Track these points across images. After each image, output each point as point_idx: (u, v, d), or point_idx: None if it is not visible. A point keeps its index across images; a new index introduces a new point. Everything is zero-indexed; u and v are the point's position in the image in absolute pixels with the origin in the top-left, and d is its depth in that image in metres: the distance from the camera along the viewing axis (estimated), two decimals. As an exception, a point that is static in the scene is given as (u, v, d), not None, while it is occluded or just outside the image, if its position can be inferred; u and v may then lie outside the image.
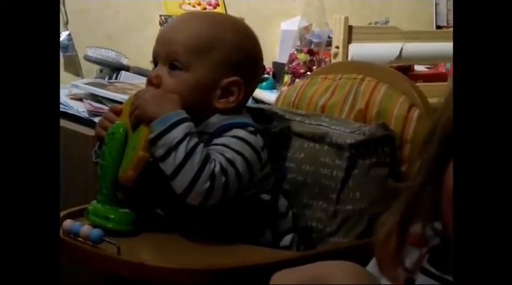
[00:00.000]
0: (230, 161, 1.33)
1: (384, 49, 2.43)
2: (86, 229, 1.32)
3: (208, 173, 1.29)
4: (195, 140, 1.31)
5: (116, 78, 2.43)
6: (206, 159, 1.30)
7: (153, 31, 2.60)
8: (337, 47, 2.37)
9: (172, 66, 1.39)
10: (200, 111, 1.40)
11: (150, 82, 1.41)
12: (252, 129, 1.40)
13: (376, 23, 2.99)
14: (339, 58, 2.36)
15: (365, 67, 1.66)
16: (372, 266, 0.97)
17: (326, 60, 2.55)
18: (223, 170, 1.31)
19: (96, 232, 1.31)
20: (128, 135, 1.38)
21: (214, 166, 1.30)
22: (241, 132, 1.38)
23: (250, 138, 1.38)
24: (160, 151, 1.31)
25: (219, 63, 1.41)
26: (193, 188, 1.29)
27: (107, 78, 2.44)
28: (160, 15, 2.59)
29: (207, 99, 1.41)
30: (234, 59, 1.42)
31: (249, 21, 2.67)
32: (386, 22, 2.99)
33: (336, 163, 1.47)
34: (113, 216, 1.38)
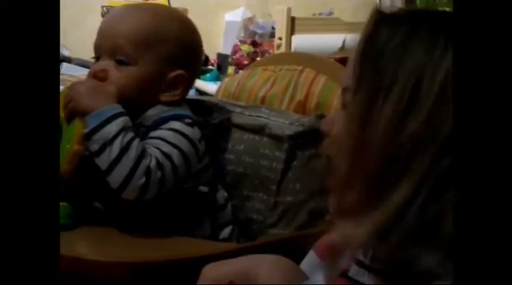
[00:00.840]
0: (166, 155, 1.32)
1: (327, 41, 2.45)
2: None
3: (144, 168, 1.28)
4: (130, 135, 1.30)
5: (58, 70, 2.40)
6: (142, 154, 1.29)
7: (95, 22, 2.56)
8: (280, 38, 2.38)
9: (118, 60, 1.37)
10: (143, 104, 1.38)
11: (94, 76, 1.37)
12: (189, 120, 1.39)
13: (320, 14, 3.00)
14: (282, 50, 2.37)
15: (305, 59, 1.66)
16: (308, 259, 0.97)
17: (270, 51, 2.56)
18: (159, 165, 1.30)
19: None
20: (62, 127, 1.36)
21: (150, 161, 1.29)
22: (177, 124, 1.37)
23: (186, 130, 1.37)
24: (94, 146, 1.29)
25: (164, 57, 1.39)
26: (129, 183, 1.27)
27: (48, 69, 2.41)
28: (102, 6, 2.56)
29: (152, 92, 1.39)
30: (179, 52, 1.41)
31: (193, 12, 2.67)
32: (330, 13, 3.00)
33: (276, 155, 1.47)
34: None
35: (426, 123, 0.79)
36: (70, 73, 2.31)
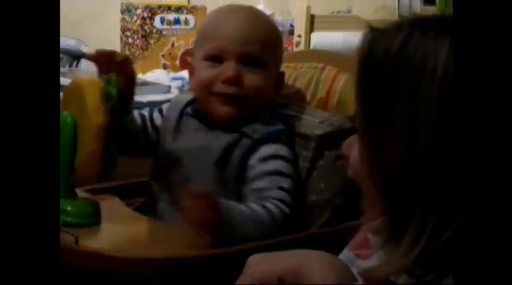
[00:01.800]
0: (288, 191, 1.39)
1: (346, 39, 2.43)
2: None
3: (273, 226, 1.33)
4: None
5: (76, 66, 2.41)
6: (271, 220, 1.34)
7: (114, 19, 2.58)
8: (299, 36, 2.38)
9: (250, 64, 1.43)
10: (261, 107, 1.46)
11: (229, 81, 1.42)
12: (284, 138, 1.46)
13: (338, 12, 2.99)
14: (301, 47, 2.36)
15: (326, 56, 1.66)
16: (344, 256, 0.97)
17: (288, 48, 2.55)
18: (282, 211, 1.36)
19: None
20: (76, 123, 1.36)
21: (275, 218, 1.34)
22: (283, 150, 1.43)
23: (288, 153, 1.44)
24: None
25: (279, 58, 1.50)
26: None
27: (67, 66, 2.42)
28: (122, 3, 2.57)
29: (272, 94, 1.49)
30: (282, 53, 1.53)
31: (211, 9, 2.66)
32: (349, 11, 2.99)
33: (303, 154, 1.47)
34: (70, 209, 1.36)
35: (434, 134, 0.78)
36: (88, 70, 2.30)
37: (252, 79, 1.42)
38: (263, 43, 1.44)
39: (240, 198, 1.40)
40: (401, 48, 0.81)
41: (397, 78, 0.80)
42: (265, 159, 1.40)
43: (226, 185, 1.41)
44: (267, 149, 1.41)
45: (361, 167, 0.86)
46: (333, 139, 1.43)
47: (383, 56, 0.82)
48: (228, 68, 1.42)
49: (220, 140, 1.42)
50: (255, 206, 1.34)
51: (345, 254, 0.95)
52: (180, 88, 2.17)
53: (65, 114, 1.39)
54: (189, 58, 1.54)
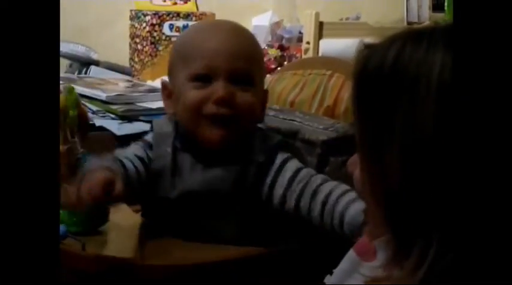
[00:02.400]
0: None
1: (355, 45, 2.43)
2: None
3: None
4: None
5: (86, 73, 2.42)
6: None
7: (124, 26, 2.59)
8: (308, 43, 2.38)
9: (239, 81, 1.35)
10: (253, 126, 1.40)
11: (222, 101, 1.33)
12: (287, 147, 1.41)
13: (347, 18, 2.99)
14: (310, 54, 2.36)
15: (334, 63, 1.66)
16: (348, 258, 0.97)
17: (297, 55, 2.56)
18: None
19: (60, 228, 1.30)
20: None
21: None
22: (291, 157, 1.39)
23: (297, 160, 1.40)
24: None
25: (264, 74, 1.44)
26: None
27: (76, 73, 2.43)
28: (131, 10, 2.57)
29: (261, 111, 1.42)
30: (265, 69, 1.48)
31: (220, 16, 2.67)
32: (358, 18, 2.99)
33: (308, 160, 1.46)
34: (75, 219, 1.37)
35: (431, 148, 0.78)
36: (98, 77, 2.31)
37: (243, 97, 1.34)
38: (250, 59, 1.37)
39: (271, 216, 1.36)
40: (395, 62, 0.81)
41: (391, 93, 0.80)
42: (281, 168, 1.36)
43: (247, 216, 1.36)
44: (277, 162, 1.37)
45: (362, 186, 0.87)
46: (338, 145, 1.44)
47: (377, 71, 0.82)
48: (219, 88, 1.33)
49: (225, 176, 1.35)
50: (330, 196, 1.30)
51: (350, 256, 0.96)
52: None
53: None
54: (166, 83, 1.44)
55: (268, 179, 1.35)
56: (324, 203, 1.29)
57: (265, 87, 1.69)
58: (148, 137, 1.42)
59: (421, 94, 0.78)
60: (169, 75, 1.43)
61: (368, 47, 0.85)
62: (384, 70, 0.81)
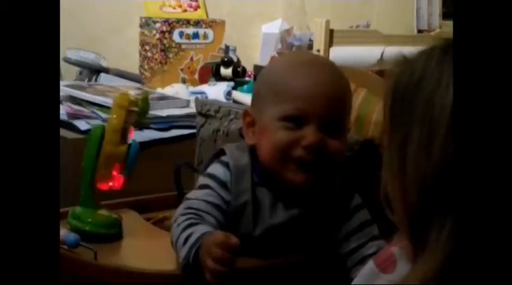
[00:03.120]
0: (378, 237, 1.35)
1: (365, 53, 2.44)
2: (62, 233, 1.31)
3: None
4: None
5: (96, 80, 2.42)
6: None
7: (134, 33, 2.59)
8: (318, 50, 2.37)
9: (330, 128, 1.31)
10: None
11: (312, 148, 1.29)
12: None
13: (357, 26, 2.99)
14: (320, 62, 2.36)
15: (345, 71, 1.65)
16: (368, 269, 0.97)
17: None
18: None
19: (72, 237, 1.29)
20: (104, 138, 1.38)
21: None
22: (358, 198, 1.38)
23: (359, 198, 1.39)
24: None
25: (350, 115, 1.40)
26: None
27: (86, 80, 2.43)
28: (141, 17, 2.57)
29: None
30: None
31: (230, 24, 2.68)
32: (368, 26, 2.99)
33: None
34: (90, 219, 1.38)
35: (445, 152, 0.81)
36: (108, 84, 2.32)
37: (333, 146, 1.30)
38: (344, 105, 1.34)
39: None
40: (420, 77, 0.86)
41: (413, 106, 0.85)
42: (352, 215, 1.36)
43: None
44: (352, 204, 1.37)
45: (385, 190, 0.90)
46: (352, 163, 1.41)
47: (405, 85, 0.87)
48: (311, 133, 1.28)
49: (306, 216, 1.34)
50: None
51: (369, 268, 0.96)
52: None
53: (97, 126, 1.41)
54: (250, 112, 1.38)
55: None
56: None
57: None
58: (219, 173, 1.34)
59: (437, 107, 0.83)
60: (255, 104, 1.38)
61: (401, 60, 0.91)
62: (409, 84, 0.87)
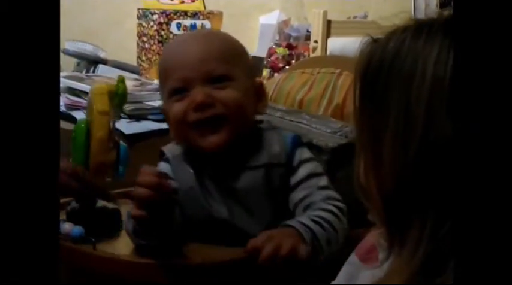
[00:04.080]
0: (328, 187, 1.35)
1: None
2: (67, 226, 1.32)
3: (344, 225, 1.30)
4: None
5: (94, 72, 2.42)
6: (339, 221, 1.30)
7: (131, 25, 2.59)
8: (315, 41, 2.38)
9: (216, 81, 1.33)
10: (248, 121, 1.37)
11: (200, 106, 1.31)
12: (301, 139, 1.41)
13: (354, 17, 2.99)
14: (318, 53, 2.36)
15: (343, 62, 1.66)
16: (350, 262, 0.97)
17: (305, 54, 2.56)
18: (337, 200, 1.32)
19: (77, 230, 1.30)
20: (89, 130, 1.39)
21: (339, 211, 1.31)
22: (307, 153, 1.37)
23: (310, 153, 1.39)
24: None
25: (246, 68, 1.39)
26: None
27: (84, 71, 2.43)
28: (139, 9, 2.58)
29: (252, 105, 1.38)
30: (250, 63, 1.44)
31: (227, 15, 2.68)
32: (365, 16, 2.99)
33: None
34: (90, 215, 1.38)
35: (424, 137, 0.77)
36: (106, 75, 2.32)
37: (223, 95, 1.32)
38: (222, 56, 1.35)
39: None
40: (393, 57, 0.80)
41: (389, 88, 0.79)
42: (297, 168, 1.36)
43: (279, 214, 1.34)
44: (296, 160, 1.36)
45: (359, 180, 0.86)
46: (346, 152, 1.40)
47: (377, 67, 0.81)
48: (195, 94, 1.32)
49: (253, 180, 1.34)
50: (318, 213, 1.29)
51: (352, 260, 0.96)
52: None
53: (80, 120, 1.42)
54: (163, 106, 1.42)
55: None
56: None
57: (274, 85, 1.69)
58: (162, 168, 1.37)
59: (414, 91, 0.77)
60: (162, 98, 1.43)
61: (370, 41, 0.85)
62: (383, 67, 0.80)
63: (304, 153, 1.37)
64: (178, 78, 1.33)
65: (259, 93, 1.40)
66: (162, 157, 1.41)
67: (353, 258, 0.96)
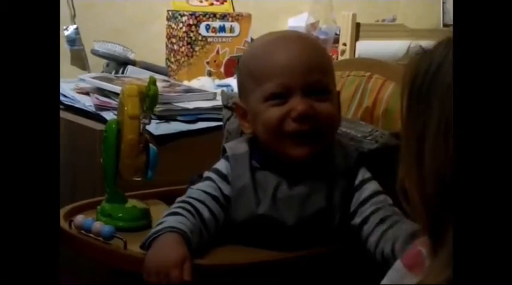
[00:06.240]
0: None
1: (392, 47, 2.43)
2: (98, 225, 1.33)
3: None
4: None
5: (123, 73, 2.43)
6: None
7: (160, 26, 2.60)
8: (344, 44, 2.38)
9: (315, 93, 1.33)
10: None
11: (302, 117, 1.31)
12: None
13: (383, 20, 2.98)
14: (346, 56, 2.36)
15: (373, 65, 1.65)
16: (395, 269, 0.97)
17: (333, 57, 2.55)
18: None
19: (108, 229, 1.31)
20: (121, 130, 1.39)
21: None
22: (367, 172, 1.39)
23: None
24: None
25: (334, 77, 1.42)
26: None
27: (113, 72, 2.44)
28: (168, 11, 2.58)
29: (339, 116, 1.41)
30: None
31: (256, 18, 2.68)
32: (394, 20, 2.98)
33: None
34: (121, 215, 1.39)
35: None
36: (135, 76, 2.33)
37: (322, 108, 1.33)
38: (322, 67, 1.36)
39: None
40: (438, 68, 0.85)
41: (432, 95, 0.85)
42: (360, 187, 1.37)
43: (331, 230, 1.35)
44: (360, 177, 1.38)
45: (403, 182, 0.89)
46: (377, 156, 1.40)
47: (424, 75, 0.87)
48: (297, 103, 1.31)
49: (314, 192, 1.35)
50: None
51: (397, 267, 0.96)
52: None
53: (111, 121, 1.43)
54: (239, 103, 1.43)
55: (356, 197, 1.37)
56: (383, 232, 1.30)
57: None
58: (221, 167, 1.38)
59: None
60: (241, 95, 1.43)
61: (420, 51, 0.90)
62: (428, 75, 0.86)
63: (366, 173, 1.38)
64: (280, 84, 1.33)
65: (338, 102, 1.41)
66: (223, 154, 1.42)
67: (399, 264, 0.96)
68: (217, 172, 1.38)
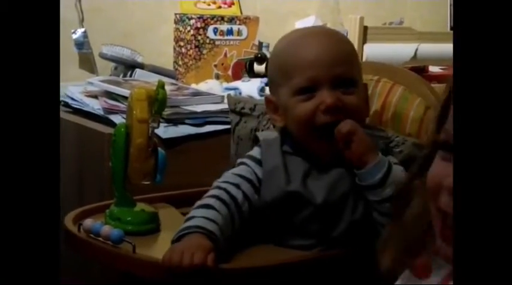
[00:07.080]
0: None
1: (399, 50, 2.44)
2: (106, 229, 1.33)
3: None
4: None
5: (131, 76, 2.43)
6: None
7: (168, 29, 2.61)
8: (352, 47, 2.37)
9: (343, 86, 1.37)
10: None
11: (331, 109, 1.35)
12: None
13: (390, 23, 2.98)
14: (354, 59, 2.36)
15: (381, 68, 1.65)
16: (405, 277, 0.97)
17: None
18: None
19: (117, 232, 1.32)
20: (130, 133, 1.40)
21: None
22: (394, 159, 1.41)
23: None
24: (388, 191, 1.32)
25: (361, 71, 1.45)
26: None
27: (121, 75, 2.45)
28: (176, 14, 2.59)
29: (367, 108, 1.46)
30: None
31: (263, 21, 2.68)
32: (401, 23, 2.98)
33: None
34: (130, 218, 1.40)
35: None
36: (143, 80, 2.33)
37: (350, 100, 1.37)
38: (348, 60, 1.40)
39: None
40: None
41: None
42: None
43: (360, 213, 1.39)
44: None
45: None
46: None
47: None
48: (325, 96, 1.35)
49: (342, 178, 1.38)
50: None
51: (406, 275, 0.96)
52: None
53: (120, 124, 1.43)
54: (270, 98, 1.46)
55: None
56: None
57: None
58: (255, 152, 1.44)
59: None
60: (271, 89, 1.47)
61: None
62: None
63: (393, 160, 1.40)
64: (308, 78, 1.37)
65: (366, 96, 1.45)
66: (256, 142, 1.48)
67: (407, 273, 0.96)
68: (251, 158, 1.43)
